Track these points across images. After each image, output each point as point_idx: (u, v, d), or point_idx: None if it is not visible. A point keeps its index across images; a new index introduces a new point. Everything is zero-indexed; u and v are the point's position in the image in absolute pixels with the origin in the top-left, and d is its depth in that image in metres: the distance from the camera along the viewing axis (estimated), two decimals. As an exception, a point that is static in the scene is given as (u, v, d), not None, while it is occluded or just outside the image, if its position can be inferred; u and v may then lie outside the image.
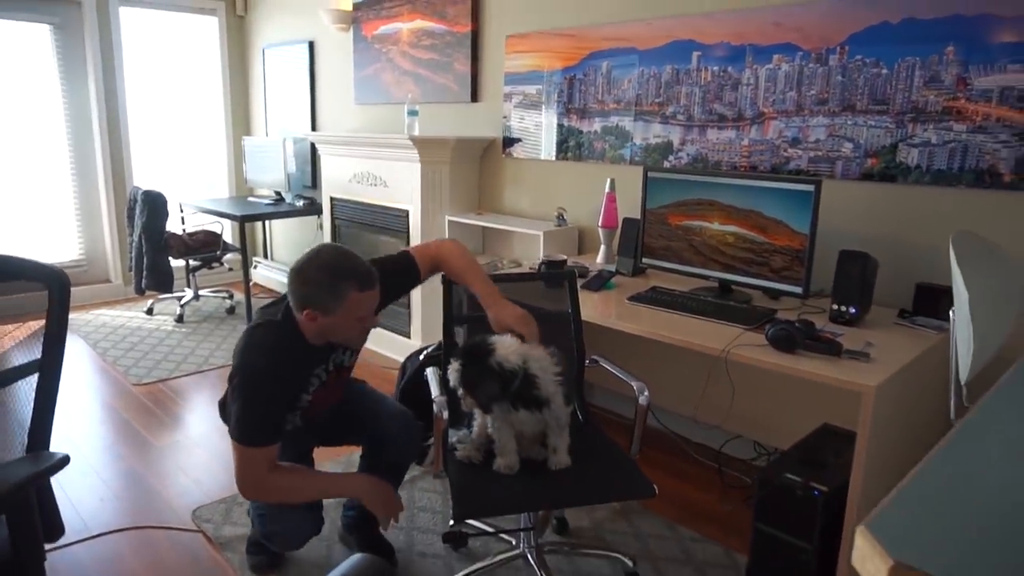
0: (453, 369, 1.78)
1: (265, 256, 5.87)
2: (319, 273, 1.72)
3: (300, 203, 4.97)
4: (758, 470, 2.74)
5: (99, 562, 2.19)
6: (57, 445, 2.75)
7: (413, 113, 3.73)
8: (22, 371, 1.52)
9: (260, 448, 1.75)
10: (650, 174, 2.66)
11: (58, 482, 2.64)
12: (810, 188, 2.21)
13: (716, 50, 2.73)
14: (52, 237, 5.03)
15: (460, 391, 1.78)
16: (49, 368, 1.50)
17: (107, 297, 5.23)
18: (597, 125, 3.22)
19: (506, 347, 1.78)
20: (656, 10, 2.91)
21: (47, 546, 2.23)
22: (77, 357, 4.03)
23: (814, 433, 2.15)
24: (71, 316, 4.78)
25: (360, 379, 2.25)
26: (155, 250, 4.46)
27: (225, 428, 1.96)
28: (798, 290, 2.29)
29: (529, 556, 2.06)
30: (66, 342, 1.53)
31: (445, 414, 1.85)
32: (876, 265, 2.20)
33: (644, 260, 2.74)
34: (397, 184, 3.86)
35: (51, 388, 1.50)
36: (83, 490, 2.60)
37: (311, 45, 4.92)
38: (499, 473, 1.84)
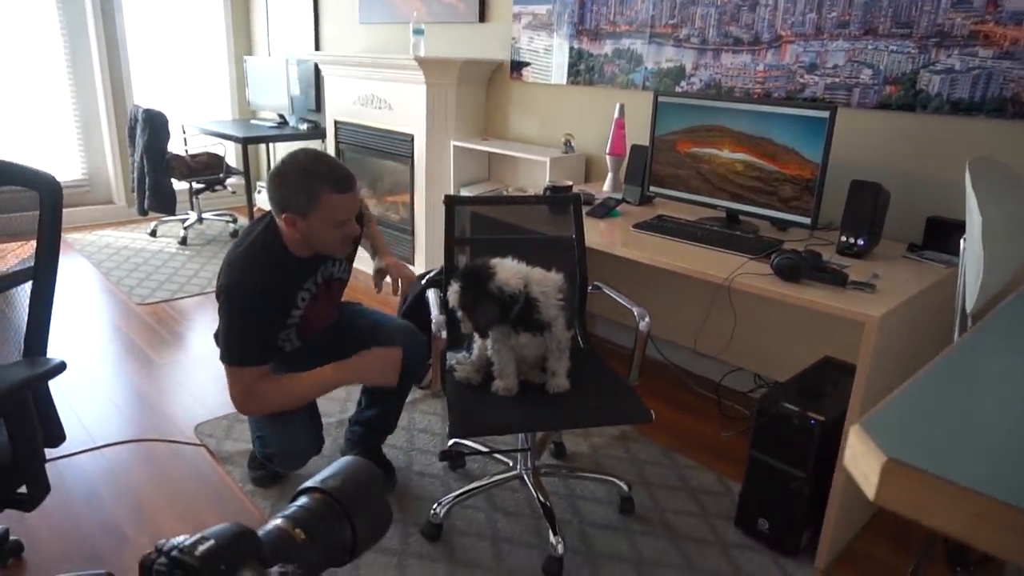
0: (452, 291, 1.76)
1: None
2: (295, 174, 1.70)
3: (304, 126, 4.87)
4: (757, 402, 2.75)
5: (104, 472, 2.23)
6: (64, 357, 2.77)
7: (419, 32, 3.61)
8: (15, 278, 1.51)
9: (249, 368, 1.76)
10: (660, 99, 2.58)
11: (63, 394, 2.68)
12: (824, 115, 2.14)
13: (735, -32, 2.60)
14: (53, 157, 4.97)
15: (459, 313, 1.76)
16: (43, 275, 1.49)
17: (110, 218, 5.21)
18: (608, 48, 3.11)
19: (508, 270, 1.75)
20: (674, -76, 2.76)
21: (53, 453, 2.28)
22: (81, 277, 4.04)
23: (814, 365, 2.14)
24: (75, 236, 4.80)
25: (356, 301, 2.24)
26: (157, 171, 4.41)
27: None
28: (806, 221, 2.24)
29: (526, 477, 2.09)
30: (59, 250, 1.51)
31: (444, 334, 1.84)
32: (888, 197, 2.14)
33: (651, 188, 2.68)
34: (402, 107, 3.77)
35: (46, 295, 1.49)
36: (88, 403, 2.64)
37: (314, -40, 4.74)
38: (497, 395, 1.84)
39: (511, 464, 2.16)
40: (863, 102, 2.36)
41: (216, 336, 2.06)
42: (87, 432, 2.44)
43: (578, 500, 2.18)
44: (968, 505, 0.43)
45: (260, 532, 0.63)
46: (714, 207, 2.50)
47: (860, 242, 2.10)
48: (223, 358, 1.77)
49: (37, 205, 1.49)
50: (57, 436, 1.59)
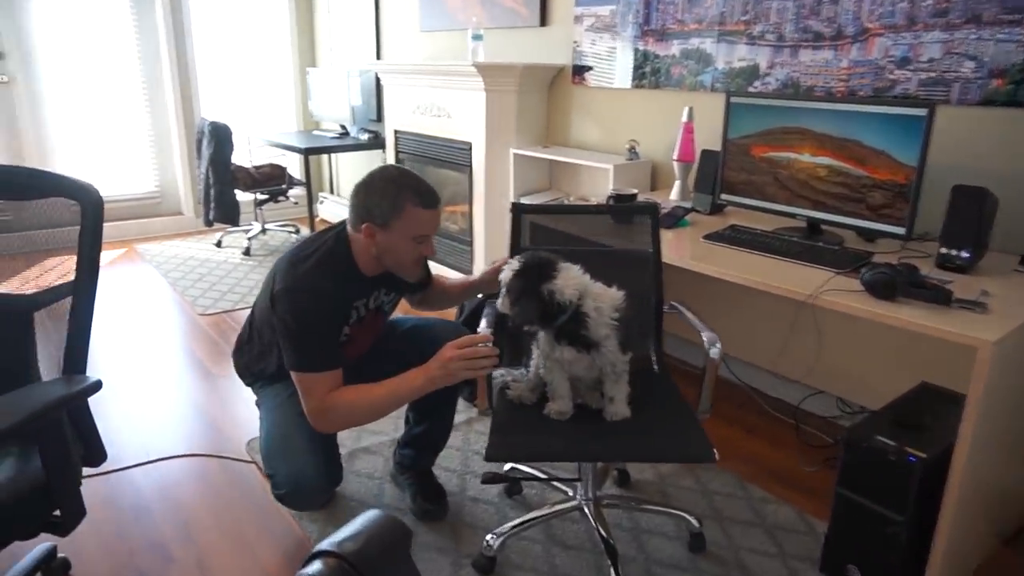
0: (509, 267, 1.65)
1: (331, 191, 5.84)
2: (383, 183, 1.70)
3: (364, 137, 4.86)
4: (841, 429, 2.52)
5: (155, 486, 2.20)
6: (122, 370, 2.77)
7: (478, 38, 3.52)
8: (56, 293, 1.46)
9: (321, 374, 1.67)
10: (733, 99, 2.40)
11: (121, 406, 2.68)
12: (922, 113, 1.92)
13: (817, -43, 2.40)
14: (128, 170, 5.12)
15: (503, 290, 1.65)
16: (82, 290, 1.43)
17: (179, 229, 5.32)
18: (676, 48, 2.94)
19: (568, 277, 1.62)
20: (749, -87, 2.58)
21: (106, 466, 2.26)
22: (149, 286, 4.11)
23: (911, 392, 1.91)
24: (146, 246, 4.90)
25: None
26: (221, 182, 4.46)
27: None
28: (900, 231, 2.02)
29: (586, 509, 1.94)
30: (99, 264, 1.46)
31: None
32: (995, 203, 1.91)
33: (723, 196, 2.50)
34: (461, 115, 3.68)
35: (85, 311, 1.43)
36: (145, 415, 2.63)
37: (376, -30, 4.73)
38: (549, 418, 1.70)
39: (570, 493, 2.01)
40: (964, 98, 2.13)
41: (235, 354, 1.99)
42: (142, 445, 2.42)
43: (643, 534, 2.01)
44: None
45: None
46: (793, 216, 2.30)
47: (964, 254, 1.87)
48: (292, 366, 1.69)
49: (79, 219, 1.43)
50: (98, 455, 1.53)
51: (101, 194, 1.46)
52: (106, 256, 4.65)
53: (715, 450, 1.56)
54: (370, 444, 2.43)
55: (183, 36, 5.03)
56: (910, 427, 1.70)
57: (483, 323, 1.82)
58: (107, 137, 5.00)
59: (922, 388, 1.93)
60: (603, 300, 1.63)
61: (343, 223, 1.80)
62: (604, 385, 1.68)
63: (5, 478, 1.33)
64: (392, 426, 2.54)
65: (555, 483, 2.10)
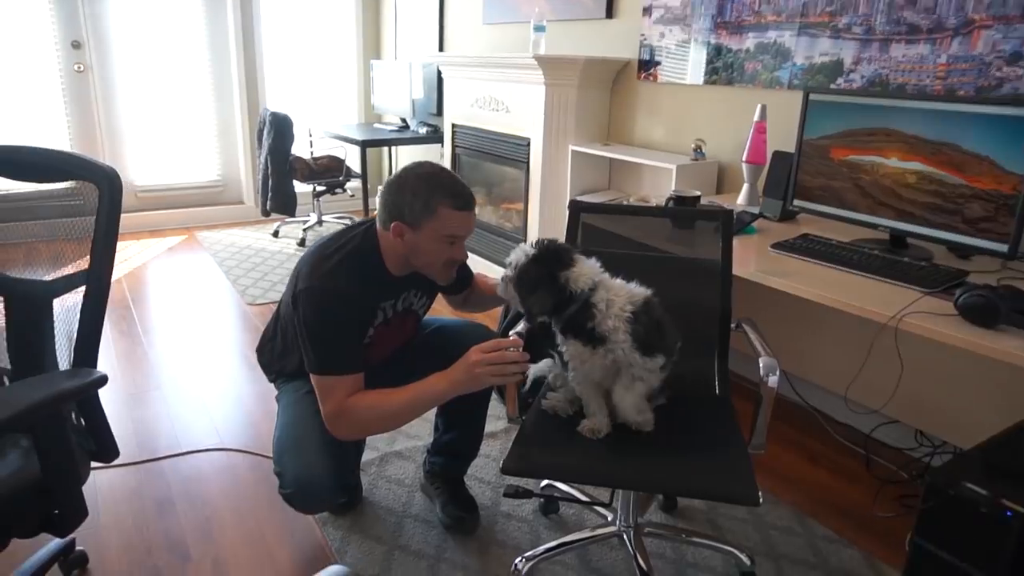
0: (519, 252, 1.53)
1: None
2: (416, 181, 1.59)
3: (423, 130, 4.79)
4: (917, 463, 2.27)
5: (182, 479, 2.14)
6: (166, 357, 2.74)
7: (540, 29, 3.37)
8: (71, 281, 1.39)
9: (340, 377, 1.56)
10: (812, 96, 2.18)
11: (159, 395, 2.66)
12: (1036, 114, 1.68)
13: (915, -60, 2.16)
14: (193, 159, 5.19)
15: (510, 275, 1.53)
16: (97, 278, 1.36)
17: (239, 218, 5.36)
18: (750, 42, 2.73)
19: (585, 267, 1.50)
20: None
21: (136, 456, 2.23)
22: (204, 274, 4.13)
23: (1009, 432, 1.67)
24: (206, 234, 4.96)
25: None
26: (279, 172, 4.45)
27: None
28: (1002, 248, 1.77)
29: (625, 536, 1.78)
30: (115, 252, 1.38)
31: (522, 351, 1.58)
32: (1121, 220, 1.65)
33: (796, 202, 2.28)
34: (519, 109, 3.55)
35: (97, 301, 1.36)
36: (182, 406, 2.59)
37: (442, -39, 4.64)
38: (581, 435, 1.55)
39: (610, 518, 1.85)
40: (1084, 100, 1.86)
41: (259, 350, 1.90)
42: (175, 437, 2.38)
43: (687, 568, 1.83)
44: None
45: None
46: (875, 227, 2.07)
47: (1079, 278, 1.62)
48: (311, 368, 1.59)
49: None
50: (109, 451, 1.46)
51: (121, 179, 1.39)
52: (167, 242, 4.75)
53: (760, 493, 1.37)
54: (403, 448, 2.32)
55: (251, 28, 5.07)
56: (1007, 474, 1.47)
57: (521, 324, 1.67)
58: (174, 126, 5.08)
59: (1022, 428, 1.69)
60: (617, 293, 1.48)
61: (372, 220, 1.69)
62: (614, 389, 1.52)
63: (6, 474, 1.27)
64: (427, 430, 2.42)
65: (597, 506, 1.94)
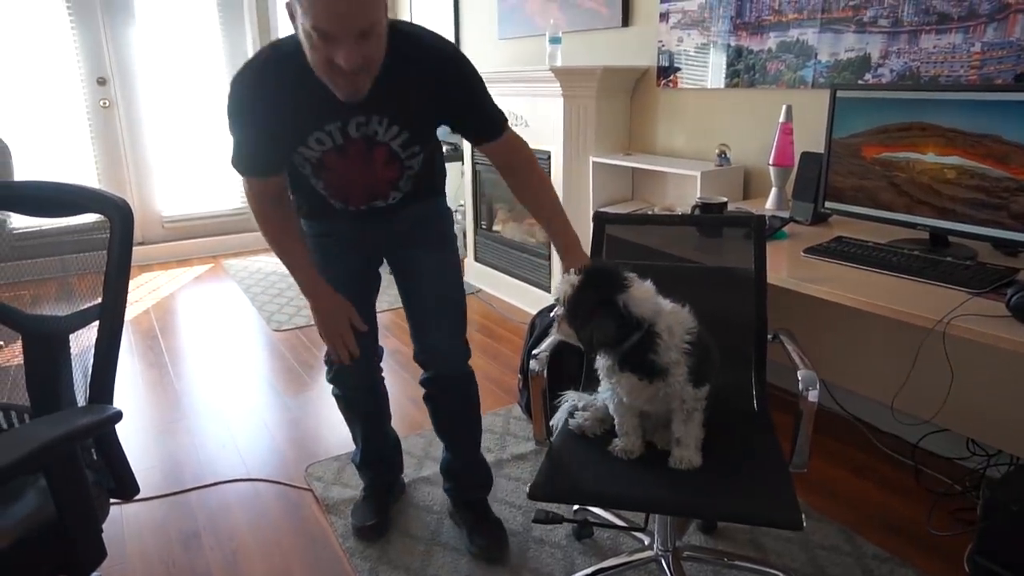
0: (566, 282, 1.38)
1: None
2: None
3: (444, 148, 4.76)
4: (970, 473, 2.15)
5: (209, 511, 2.11)
6: (193, 386, 2.72)
7: (555, 41, 3.34)
8: (85, 316, 1.37)
9: (249, 179, 1.59)
10: (840, 94, 2.10)
11: (185, 425, 2.64)
12: (1083, 99, 1.58)
13: (941, -73, 2.08)
14: (217, 188, 5.24)
15: (560, 312, 1.39)
16: (110, 312, 1.33)
17: (264, 245, 5.34)
18: (772, 42, 2.65)
19: (642, 290, 1.38)
20: None
21: (163, 489, 2.20)
22: (230, 300, 4.14)
23: (1070, 440, 1.57)
24: (232, 261, 4.98)
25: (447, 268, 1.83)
26: (302, 197, 4.46)
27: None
28: (1052, 243, 1.67)
29: (664, 562, 1.69)
30: (128, 286, 1.35)
31: (545, 372, 1.51)
32: None
33: (827, 204, 2.19)
34: (538, 123, 3.51)
35: (112, 336, 1.33)
36: (208, 436, 2.57)
37: (456, -21, 4.64)
38: (612, 456, 1.48)
39: (646, 542, 1.77)
40: None
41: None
42: (201, 468, 2.36)
43: (731, 594, 1.74)
44: None
45: None
46: (913, 226, 1.98)
47: None
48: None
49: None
50: (128, 488, 1.43)
51: (149, 210, 1.36)
52: (194, 271, 4.78)
53: (803, 516, 1.27)
54: (431, 474, 2.26)
55: (270, 54, 5.12)
56: (1073, 487, 1.37)
57: (545, 343, 1.60)
58: (198, 156, 5.13)
59: (1085, 436, 1.58)
60: (677, 320, 1.39)
61: None
62: (672, 424, 1.43)
63: (22, 515, 1.24)
64: (497, 441, 2.36)
65: (632, 531, 1.86)
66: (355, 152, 1.54)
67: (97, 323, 1.35)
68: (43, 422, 1.21)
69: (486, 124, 1.61)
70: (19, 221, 3.44)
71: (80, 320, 1.39)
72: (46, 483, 1.28)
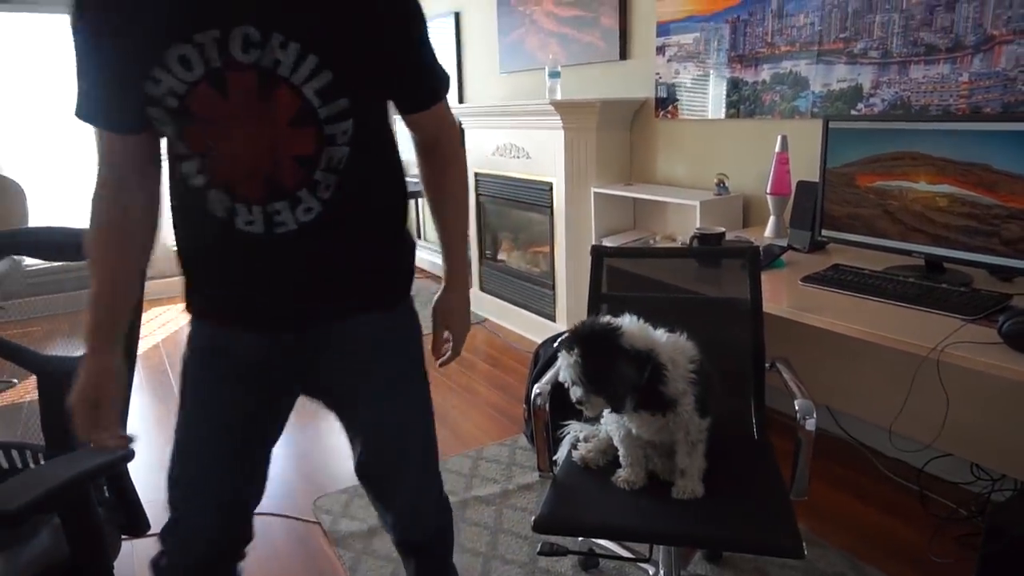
0: (569, 363, 1.39)
1: (418, 235, 5.85)
2: None
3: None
4: (975, 497, 2.15)
5: (218, 548, 2.13)
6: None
7: (555, 75, 3.41)
8: (98, 355, 1.41)
9: (98, 133, 1.08)
10: (832, 124, 2.15)
11: (196, 460, 2.67)
12: (1067, 128, 1.62)
13: (925, -38, 2.14)
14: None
15: (579, 392, 1.40)
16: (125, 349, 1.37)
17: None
18: (766, 74, 2.71)
19: (633, 327, 1.41)
20: (843, -77, 2.35)
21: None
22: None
23: (1069, 464, 1.58)
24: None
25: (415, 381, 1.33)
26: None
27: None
28: (1044, 269, 1.70)
29: (668, 591, 1.70)
30: (140, 323, 1.40)
31: (547, 405, 1.54)
32: None
33: (824, 232, 2.23)
34: (539, 155, 3.57)
35: (127, 371, 1.37)
36: (218, 469, 2.60)
37: (456, 16, 4.75)
38: (614, 487, 1.50)
39: (651, 572, 1.78)
40: (1119, 110, 1.80)
41: None
42: (211, 501, 2.38)
43: (738, 623, 1.74)
44: None
45: None
46: (908, 253, 2.01)
47: None
48: None
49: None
50: (140, 524, 1.46)
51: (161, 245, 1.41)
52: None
53: (804, 544, 1.29)
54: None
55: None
56: (1072, 512, 1.38)
57: (545, 378, 1.62)
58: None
59: (1084, 460, 1.59)
60: (677, 351, 1.42)
61: None
62: (677, 455, 1.45)
63: (35, 554, 1.27)
64: (503, 472, 2.41)
65: (637, 562, 1.87)
66: (242, 91, 0.98)
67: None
68: (58, 463, 1.25)
69: (428, 81, 1.19)
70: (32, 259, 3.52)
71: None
72: (60, 522, 1.32)
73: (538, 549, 1.89)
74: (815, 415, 1.40)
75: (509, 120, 3.75)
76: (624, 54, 3.38)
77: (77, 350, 1.47)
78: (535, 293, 3.85)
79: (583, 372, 1.38)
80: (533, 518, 1.44)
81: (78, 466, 1.20)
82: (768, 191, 2.55)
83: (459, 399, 3.11)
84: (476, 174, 4.23)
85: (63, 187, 4.75)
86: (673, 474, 1.48)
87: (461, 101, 4.89)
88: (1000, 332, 1.43)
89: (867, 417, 2.37)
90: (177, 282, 1.28)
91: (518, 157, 3.76)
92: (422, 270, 5.52)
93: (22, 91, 4.53)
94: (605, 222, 3.37)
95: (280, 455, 2.65)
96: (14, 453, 1.53)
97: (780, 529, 1.34)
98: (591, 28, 3.53)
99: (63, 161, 4.71)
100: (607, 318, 1.45)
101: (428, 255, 5.40)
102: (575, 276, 3.46)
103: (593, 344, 1.39)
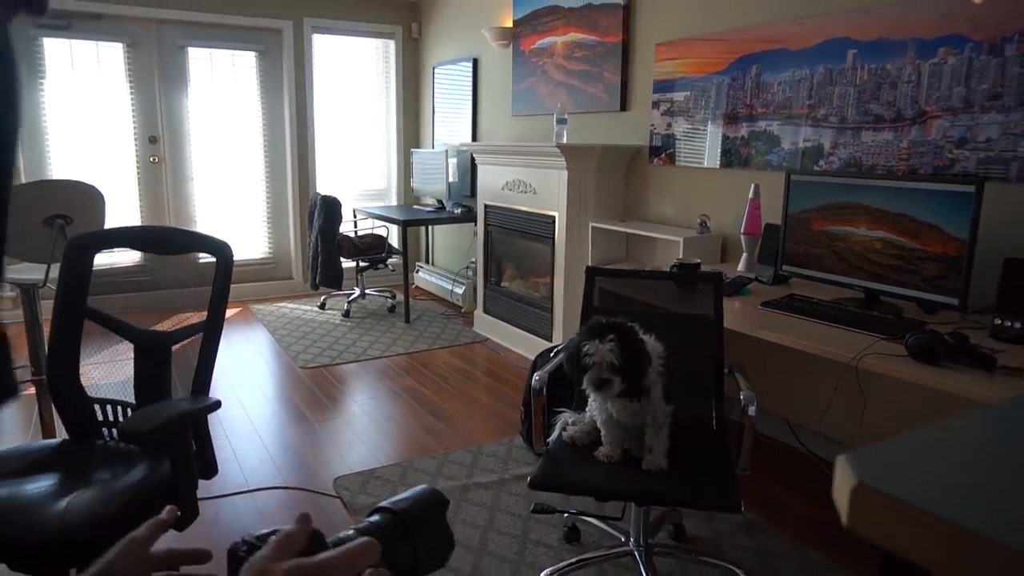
0: (606, 349, 1.67)
1: (427, 261, 6.24)
2: None
3: (458, 210, 5.25)
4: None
5: (252, 513, 2.47)
6: (232, 410, 3.10)
7: (562, 122, 3.84)
8: (192, 329, 1.78)
9: None
10: (793, 177, 2.55)
11: (231, 441, 3.01)
12: (970, 189, 2.01)
13: (874, 47, 2.56)
14: (248, 238, 5.72)
15: (607, 373, 1.67)
16: (212, 326, 1.74)
17: (289, 292, 5.83)
18: (745, 130, 3.13)
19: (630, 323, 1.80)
20: (811, 8, 2.79)
21: (211, 490, 2.56)
22: (258, 341, 4.54)
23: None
24: (259, 306, 5.38)
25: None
26: (328, 250, 4.92)
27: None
28: (954, 301, 2.08)
29: (637, 555, 2.04)
30: (226, 306, 1.77)
31: (544, 391, 1.90)
32: (1052, 277, 1.95)
33: (785, 267, 2.62)
34: (545, 191, 3.98)
35: (212, 343, 1.74)
36: (249, 451, 2.94)
37: (475, 62, 5.21)
38: (596, 459, 1.86)
39: (623, 540, 2.12)
40: (1023, 176, 2.20)
41: None
42: (244, 476, 2.72)
43: (694, 586, 2.08)
44: (931, 530, 0.43)
45: (330, 539, 0.69)
46: (851, 287, 2.39)
47: (1017, 325, 1.91)
48: None
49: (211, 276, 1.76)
50: (211, 468, 1.81)
51: (232, 251, 1.79)
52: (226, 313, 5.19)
53: (741, 502, 1.65)
54: (447, 486, 2.62)
55: (304, 124, 5.68)
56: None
57: (545, 367, 1.99)
58: (233, 209, 5.63)
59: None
60: (651, 348, 1.80)
61: None
62: (646, 435, 1.82)
63: (138, 479, 1.62)
64: (501, 467, 2.73)
65: (612, 531, 2.21)
66: None
67: (199, 335, 1.75)
68: (161, 407, 1.60)
69: None
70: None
71: (185, 333, 1.80)
72: (145, 462, 1.67)
73: (531, 508, 2.23)
74: (755, 404, 1.77)
75: (518, 159, 4.17)
76: (624, 106, 3.81)
77: (168, 326, 1.83)
78: (534, 315, 4.22)
79: (619, 355, 1.69)
80: (530, 478, 1.79)
81: (179, 408, 1.56)
82: (742, 231, 2.95)
83: (462, 404, 3.46)
84: (486, 206, 4.64)
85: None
86: (643, 451, 1.85)
87: (475, 139, 5.32)
88: (906, 346, 1.80)
89: (807, 423, 2.73)
90: (199, 292, 1.62)
91: (525, 192, 4.17)
92: (429, 293, 5.90)
93: (87, 109, 4.95)
94: (601, 253, 3.76)
95: (301, 443, 3.01)
96: (108, 408, 1.89)
97: (726, 492, 1.70)
98: (596, 81, 3.97)
99: (102, 171, 5.11)
100: (617, 318, 1.81)
101: (436, 279, 5.79)
102: (571, 301, 3.84)
103: (624, 334, 1.74)
